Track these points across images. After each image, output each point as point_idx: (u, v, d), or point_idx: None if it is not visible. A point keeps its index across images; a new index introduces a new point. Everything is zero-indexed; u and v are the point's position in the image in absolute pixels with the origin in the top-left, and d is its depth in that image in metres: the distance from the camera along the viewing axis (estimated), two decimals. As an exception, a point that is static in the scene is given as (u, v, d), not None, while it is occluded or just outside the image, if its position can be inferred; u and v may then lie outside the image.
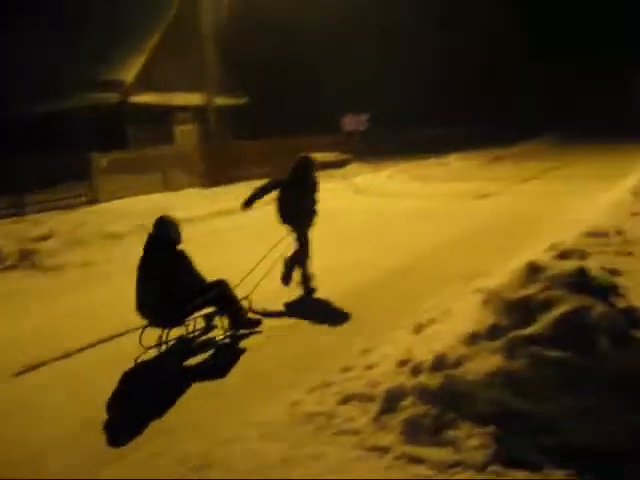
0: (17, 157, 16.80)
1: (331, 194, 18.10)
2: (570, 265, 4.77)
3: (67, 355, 6.90)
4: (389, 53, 38.73)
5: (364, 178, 21.49)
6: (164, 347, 6.78)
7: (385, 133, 32.41)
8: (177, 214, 14.81)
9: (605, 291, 4.61)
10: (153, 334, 6.78)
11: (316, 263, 8.97)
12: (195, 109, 25.27)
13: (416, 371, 4.74)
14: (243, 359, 6.59)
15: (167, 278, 6.52)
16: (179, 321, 6.76)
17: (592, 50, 51.93)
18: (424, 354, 4.88)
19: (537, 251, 9.08)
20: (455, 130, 35.47)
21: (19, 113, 24.34)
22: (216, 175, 21.40)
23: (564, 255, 8.02)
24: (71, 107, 23.50)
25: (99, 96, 23.85)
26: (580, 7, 48.23)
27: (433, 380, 4.49)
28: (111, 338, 7.32)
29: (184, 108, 26.59)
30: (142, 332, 6.68)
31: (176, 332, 6.97)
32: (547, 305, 4.46)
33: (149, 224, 13.25)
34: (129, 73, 24.78)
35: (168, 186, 19.45)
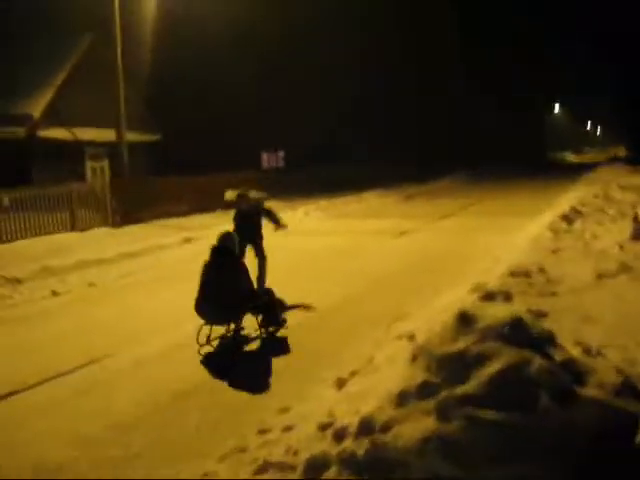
0: None
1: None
2: (503, 314, 4.40)
3: None
4: (308, 93, 38.75)
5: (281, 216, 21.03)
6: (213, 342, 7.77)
7: (300, 171, 32.25)
8: (83, 255, 14.19)
9: (542, 342, 4.27)
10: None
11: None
12: (108, 145, 24.34)
13: (340, 436, 4.26)
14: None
15: (230, 283, 7.60)
16: (236, 319, 7.82)
17: (504, 85, 53.88)
18: (348, 415, 4.41)
19: (460, 291, 8.82)
20: (369, 167, 35.67)
21: None
22: (127, 213, 20.56)
23: (489, 296, 7.75)
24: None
25: (3, 130, 22.74)
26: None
27: (359, 447, 4.00)
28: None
29: (96, 144, 25.69)
30: (199, 330, 7.64)
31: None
32: (482, 360, 4.07)
33: (53, 267, 12.71)
34: (37, 107, 23.81)
35: (76, 225, 18.50)
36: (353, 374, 5.82)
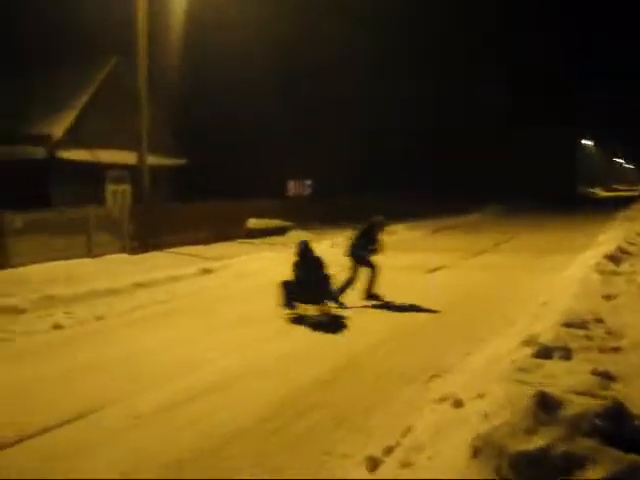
0: None
1: (269, 263, 16.65)
2: (594, 399, 3.33)
3: None
4: (338, 123, 38.03)
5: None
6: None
7: (326, 200, 31.33)
8: (94, 284, 13.28)
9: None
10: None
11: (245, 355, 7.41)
12: (130, 169, 23.49)
13: None
14: None
15: (319, 273, 10.77)
16: (325, 300, 10.77)
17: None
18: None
19: (507, 342, 7.73)
20: (398, 199, 34.62)
21: None
22: (145, 240, 19.73)
23: (544, 352, 6.67)
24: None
25: (23, 150, 22.08)
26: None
27: None
28: None
29: (118, 166, 24.92)
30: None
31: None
32: (573, 464, 3.00)
33: (59, 296, 11.80)
34: (58, 128, 23.08)
35: (92, 251, 17.68)
36: (388, 451, 4.74)
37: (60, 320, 10.60)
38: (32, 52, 25.80)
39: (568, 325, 7.89)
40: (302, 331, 9.68)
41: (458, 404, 5.49)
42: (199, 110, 34.41)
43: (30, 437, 5.78)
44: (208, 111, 34.93)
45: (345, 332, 9.58)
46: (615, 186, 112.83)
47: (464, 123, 47.59)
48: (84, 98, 24.05)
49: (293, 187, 42.11)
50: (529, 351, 6.79)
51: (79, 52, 25.89)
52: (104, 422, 6.15)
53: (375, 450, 4.85)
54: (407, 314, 10.82)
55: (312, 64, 36.21)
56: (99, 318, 11.01)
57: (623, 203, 42.33)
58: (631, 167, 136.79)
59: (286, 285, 10.65)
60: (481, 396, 5.30)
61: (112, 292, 12.73)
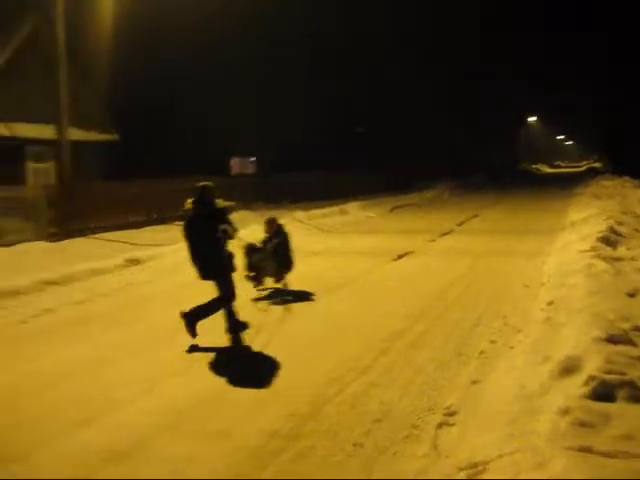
0: None
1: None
2: None
3: None
4: (277, 94, 35.52)
5: (252, 230, 17.74)
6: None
7: (271, 178, 29.05)
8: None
9: None
10: None
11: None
12: (54, 144, 20.66)
13: None
14: None
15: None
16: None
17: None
18: None
19: (532, 372, 5.64)
20: (342, 177, 32.50)
21: None
22: (68, 225, 17.16)
23: (604, 390, 4.63)
24: None
25: None
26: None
27: None
28: None
29: (39, 142, 22.09)
30: None
31: None
32: None
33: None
34: (-36, 98, 20.25)
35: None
36: None
37: None
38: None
39: (611, 341, 5.85)
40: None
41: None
42: (134, 85, 31.60)
43: None
44: (144, 87, 32.17)
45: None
46: (558, 162, 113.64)
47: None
48: (-2, 64, 21.19)
49: (236, 165, 39.69)
50: (578, 389, 4.73)
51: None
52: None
53: None
54: (371, 324, 8.65)
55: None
56: (-4, 328, 8.61)
57: (573, 179, 41.24)
58: (571, 144, 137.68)
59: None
60: None
61: (11, 293, 10.23)
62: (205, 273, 7.64)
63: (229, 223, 7.73)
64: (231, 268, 7.77)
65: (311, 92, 36.46)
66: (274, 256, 10.04)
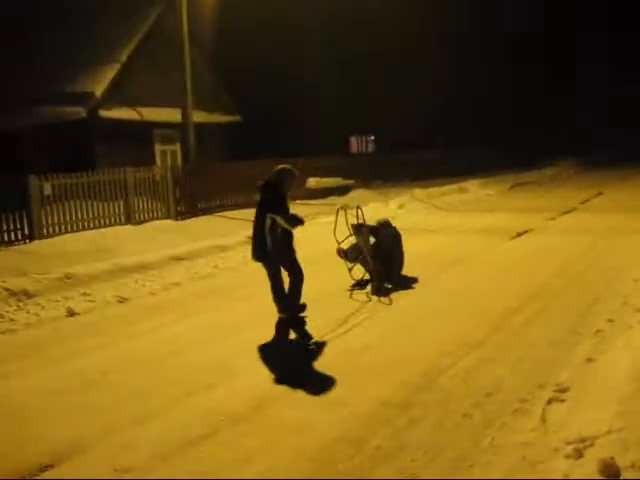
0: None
1: (325, 229, 14.60)
2: None
3: None
4: (395, 72, 35.31)
5: (370, 208, 17.93)
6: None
7: (391, 156, 29.03)
8: (122, 258, 11.51)
9: None
10: None
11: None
12: (179, 127, 21.57)
13: None
14: None
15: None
16: None
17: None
18: None
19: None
20: (465, 153, 31.99)
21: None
22: (193, 204, 17.97)
23: None
24: (27, 124, 20.05)
25: (63, 110, 20.45)
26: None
27: None
28: None
29: (166, 125, 23.10)
30: None
31: None
32: None
33: (79, 275, 10.06)
34: (100, 85, 21.39)
35: (131, 217, 15.98)
36: None
37: (75, 304, 8.88)
38: (73, 5, 23.98)
39: None
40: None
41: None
42: (254, 66, 32.35)
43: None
44: (263, 67, 32.89)
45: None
46: None
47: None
48: (126, 51, 22.27)
49: (355, 143, 39.94)
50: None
51: (123, 3, 23.97)
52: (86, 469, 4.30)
53: None
54: (486, 304, 8.66)
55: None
56: (122, 300, 9.24)
57: None
58: None
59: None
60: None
61: (142, 267, 10.94)
62: (253, 254, 7.79)
63: (281, 213, 7.43)
64: (282, 254, 7.57)
65: (429, 67, 36.00)
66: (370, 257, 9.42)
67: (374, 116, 35.13)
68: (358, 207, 9.48)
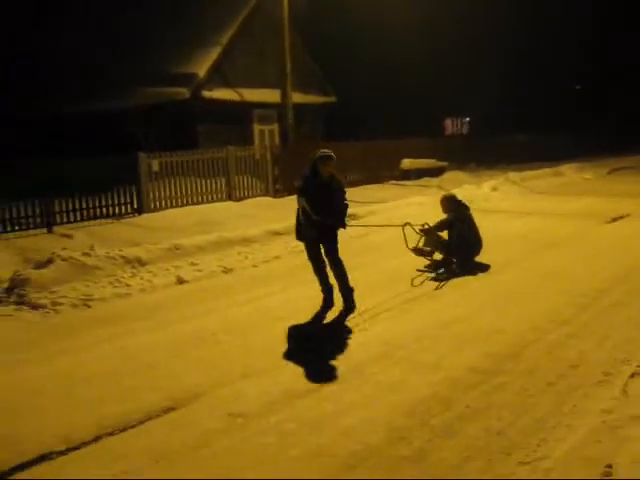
0: (63, 159, 14.45)
1: (420, 209, 14.94)
2: None
3: None
4: (483, 55, 34.94)
5: (464, 189, 18.12)
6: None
7: (486, 138, 28.85)
8: (227, 232, 12.19)
9: None
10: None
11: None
12: (277, 107, 22.25)
13: None
14: None
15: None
16: None
17: None
18: None
19: None
20: (557, 137, 31.40)
21: (67, 113, 22.20)
22: (291, 182, 18.54)
23: None
24: (134, 104, 21.08)
25: (167, 91, 21.39)
26: None
27: None
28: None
29: (264, 105, 23.82)
30: None
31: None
32: None
33: (187, 246, 10.78)
34: (202, 67, 22.22)
35: (232, 194, 16.72)
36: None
37: (185, 273, 9.59)
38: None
39: None
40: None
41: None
42: (348, 48, 32.69)
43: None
44: (358, 48, 33.18)
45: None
46: None
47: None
48: (228, 33, 23.01)
49: (450, 125, 39.72)
50: None
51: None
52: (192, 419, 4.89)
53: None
54: (579, 284, 8.83)
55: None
56: (227, 271, 9.91)
57: None
58: None
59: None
60: None
61: (246, 241, 11.60)
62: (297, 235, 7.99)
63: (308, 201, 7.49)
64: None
65: (524, 52, 35.52)
66: (443, 246, 9.70)
67: (470, 98, 34.91)
68: (425, 224, 9.76)
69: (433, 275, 9.06)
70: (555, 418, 4.58)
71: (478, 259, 9.63)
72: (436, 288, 8.40)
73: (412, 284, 8.55)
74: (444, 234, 9.82)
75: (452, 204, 9.98)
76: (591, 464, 3.93)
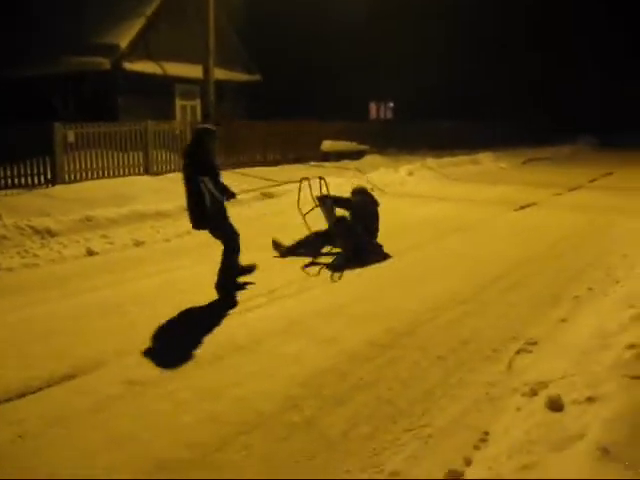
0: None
1: (337, 191, 15.11)
2: None
3: None
4: (417, 39, 35.24)
5: (380, 173, 18.46)
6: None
7: (409, 124, 29.26)
8: (141, 205, 12.11)
9: None
10: None
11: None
12: (200, 83, 22.01)
13: None
14: None
15: None
16: None
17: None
18: None
19: (619, 313, 6.05)
20: (480, 126, 32.11)
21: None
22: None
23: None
24: (54, 72, 20.56)
25: (88, 61, 20.93)
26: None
27: None
28: None
29: (187, 81, 23.58)
30: None
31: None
32: None
33: (99, 218, 10.68)
34: (124, 38, 21.82)
35: (149, 168, 16.56)
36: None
37: (95, 245, 9.53)
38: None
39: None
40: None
41: (554, 405, 4.02)
42: (275, 28, 32.58)
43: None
44: (284, 30, 33.12)
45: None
46: None
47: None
48: (153, 6, 22.65)
49: (375, 110, 40.20)
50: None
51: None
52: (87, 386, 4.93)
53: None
54: (485, 263, 9.19)
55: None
56: (138, 244, 9.90)
57: None
58: None
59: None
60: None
61: (159, 215, 11.57)
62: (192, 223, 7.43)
63: (212, 176, 7.02)
64: (216, 217, 7.15)
65: (453, 38, 35.97)
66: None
67: (394, 83, 35.29)
68: (321, 178, 9.23)
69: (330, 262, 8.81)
70: (442, 389, 4.83)
71: (385, 242, 9.81)
72: (335, 271, 8.45)
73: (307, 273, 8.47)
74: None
75: (361, 194, 9.78)
76: (470, 431, 4.18)
